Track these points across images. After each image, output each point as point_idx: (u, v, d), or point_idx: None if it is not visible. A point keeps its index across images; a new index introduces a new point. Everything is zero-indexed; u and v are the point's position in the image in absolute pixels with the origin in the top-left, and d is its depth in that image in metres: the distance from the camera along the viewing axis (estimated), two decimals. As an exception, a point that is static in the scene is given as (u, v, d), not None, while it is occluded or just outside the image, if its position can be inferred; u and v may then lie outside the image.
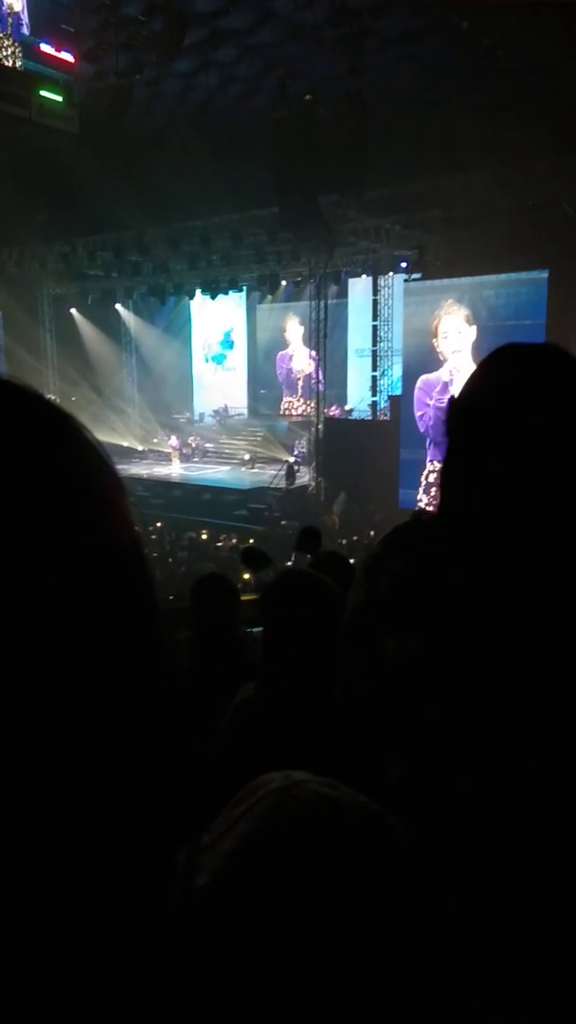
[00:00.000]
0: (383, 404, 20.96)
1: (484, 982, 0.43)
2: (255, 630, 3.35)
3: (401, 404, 18.84)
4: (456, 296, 17.49)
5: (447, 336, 17.60)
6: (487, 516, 0.64)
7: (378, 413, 21.13)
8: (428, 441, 17.83)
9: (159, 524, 18.24)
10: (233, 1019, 0.36)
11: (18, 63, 12.09)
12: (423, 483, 17.88)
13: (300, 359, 25.58)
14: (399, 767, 0.68)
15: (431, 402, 17.76)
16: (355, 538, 15.43)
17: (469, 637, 0.66)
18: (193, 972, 0.36)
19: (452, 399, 0.70)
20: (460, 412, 0.69)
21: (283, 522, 17.85)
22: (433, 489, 17.51)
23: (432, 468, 17.73)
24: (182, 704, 0.44)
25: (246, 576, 8.12)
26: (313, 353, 21.42)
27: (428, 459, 17.82)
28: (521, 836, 0.59)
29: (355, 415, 22.71)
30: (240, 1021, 0.36)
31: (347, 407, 23.73)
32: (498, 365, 0.68)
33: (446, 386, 17.43)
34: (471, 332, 17.14)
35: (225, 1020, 0.36)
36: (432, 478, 17.75)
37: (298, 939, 0.37)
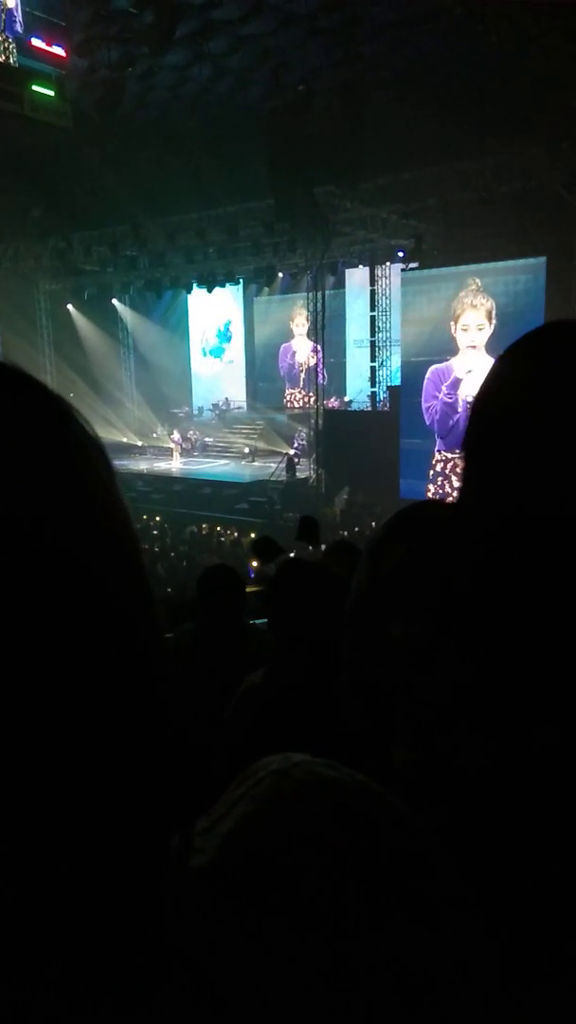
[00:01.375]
0: (382, 395, 20.92)
1: (491, 960, 0.43)
2: (259, 622, 3.36)
3: (400, 394, 18.80)
4: (456, 285, 17.38)
5: (467, 329, 17.29)
6: (501, 503, 0.63)
7: (378, 404, 21.10)
8: (437, 435, 17.78)
9: (157, 518, 18.25)
10: (231, 999, 0.36)
11: (12, 59, 12.05)
12: (431, 474, 17.83)
13: (303, 351, 25.52)
14: (405, 750, 0.68)
15: (439, 395, 17.68)
16: (356, 529, 15.43)
17: (476, 620, 0.66)
18: (190, 952, 0.36)
19: (483, 385, 0.70)
20: (486, 399, 0.69)
21: (287, 514, 17.87)
22: (440, 479, 17.48)
23: (441, 458, 17.67)
24: (177, 689, 0.44)
25: (255, 564, 8.12)
26: (317, 345, 21.38)
27: (436, 449, 17.77)
28: (533, 816, 0.59)
29: (354, 406, 22.69)
30: (238, 1001, 0.36)
31: (346, 398, 23.70)
32: (533, 348, 0.68)
33: (457, 382, 17.34)
34: (490, 328, 16.89)
35: (223, 1000, 0.36)
36: (440, 467, 17.71)
37: (297, 917, 0.37)
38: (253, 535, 15.56)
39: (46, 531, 0.36)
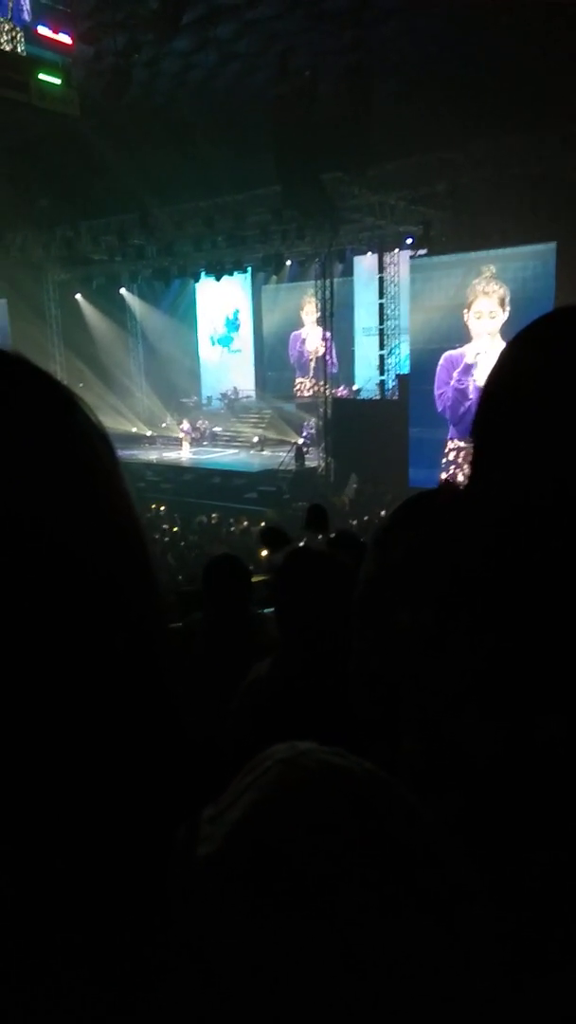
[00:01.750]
0: (391, 383, 20.84)
1: (498, 949, 0.43)
2: (267, 611, 3.36)
3: (410, 382, 18.73)
4: (465, 271, 17.27)
5: (480, 316, 17.21)
6: (509, 489, 0.63)
7: (387, 392, 21.03)
8: (449, 422, 17.71)
9: (163, 508, 18.30)
10: (237, 987, 0.36)
11: (19, 48, 12.02)
12: (443, 462, 17.76)
13: (313, 339, 25.45)
14: (413, 739, 0.68)
15: (451, 382, 17.60)
16: (366, 518, 15.43)
17: (484, 607, 0.65)
18: (196, 942, 0.36)
19: (493, 371, 0.69)
20: (495, 386, 0.68)
21: (296, 504, 17.88)
22: (453, 468, 17.42)
23: (453, 447, 17.61)
24: (182, 680, 0.44)
25: (264, 553, 8.13)
26: (327, 334, 21.27)
27: (448, 437, 17.70)
28: (541, 805, 0.59)
29: (363, 395, 22.62)
30: (245, 990, 0.36)
31: (355, 387, 23.63)
32: (542, 335, 0.67)
33: (469, 368, 17.26)
34: (503, 315, 16.80)
35: (229, 989, 0.36)
36: (452, 456, 17.65)
37: (304, 905, 0.37)
38: (263, 524, 15.58)
39: (51, 522, 0.37)
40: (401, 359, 20.51)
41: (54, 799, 0.36)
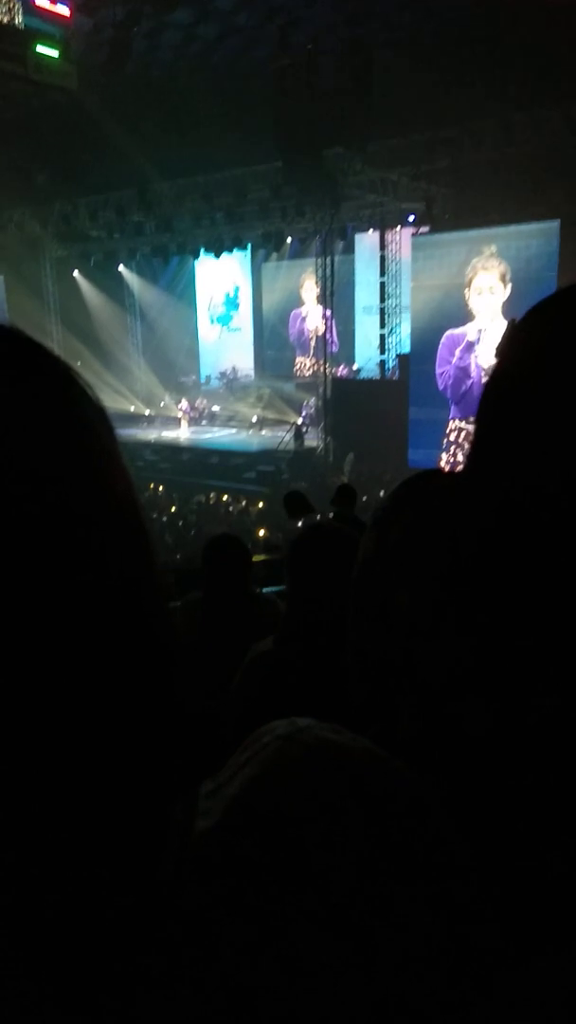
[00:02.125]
0: (392, 363, 20.73)
1: (493, 927, 0.44)
2: (267, 590, 3.37)
3: (410, 362, 18.62)
4: (468, 250, 17.10)
5: (480, 293, 17.02)
6: (508, 471, 0.63)
7: (387, 372, 20.92)
8: (451, 401, 17.62)
9: (161, 487, 18.28)
10: (234, 961, 0.36)
11: (17, 20, 11.83)
12: (444, 443, 17.69)
13: (314, 318, 25.27)
14: (410, 719, 0.69)
15: (453, 360, 17.49)
16: (364, 498, 15.41)
17: (481, 588, 0.66)
18: (194, 915, 0.37)
19: (498, 351, 0.69)
20: (497, 366, 0.68)
21: (295, 483, 17.85)
22: (454, 448, 17.36)
23: (455, 427, 17.54)
24: (184, 658, 0.44)
25: (261, 533, 8.11)
26: (327, 312, 21.09)
27: (450, 417, 17.63)
28: (535, 785, 0.59)
29: (363, 374, 22.50)
30: (241, 964, 0.36)
31: (355, 366, 23.50)
32: (549, 316, 0.66)
33: (471, 345, 17.14)
34: (504, 292, 16.64)
35: (226, 962, 0.36)
36: (453, 436, 17.59)
37: (301, 879, 0.37)
38: (261, 505, 15.55)
39: (48, 496, 0.36)
40: (402, 338, 20.39)
41: (51, 774, 0.35)
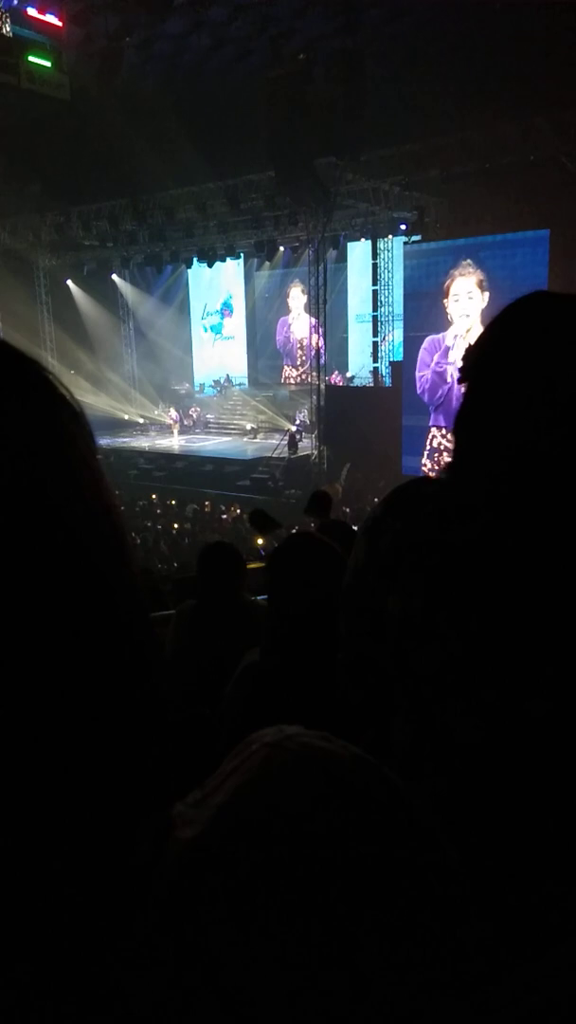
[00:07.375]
0: (384, 370, 20.79)
1: (482, 931, 0.44)
2: (261, 598, 3.37)
3: (403, 370, 18.68)
4: (458, 257, 17.19)
5: (458, 299, 17.16)
6: (489, 470, 0.63)
7: (380, 380, 20.97)
8: (430, 406, 17.68)
9: (154, 496, 18.26)
10: (219, 970, 0.36)
11: (5, 29, 11.87)
12: (428, 449, 17.76)
13: (301, 326, 25.32)
14: (401, 723, 0.69)
15: (432, 364, 17.57)
16: (358, 506, 15.44)
17: (469, 594, 0.66)
18: (178, 925, 0.36)
19: (469, 347, 0.70)
20: (475, 362, 0.69)
21: (289, 491, 17.86)
22: (437, 455, 17.41)
23: (437, 434, 17.60)
24: (163, 666, 0.44)
25: (260, 541, 8.11)
26: (314, 320, 21.17)
27: (431, 424, 17.70)
28: (525, 788, 0.59)
29: (356, 382, 22.55)
30: (227, 973, 0.36)
31: (348, 374, 23.56)
32: (521, 314, 0.67)
33: (447, 351, 17.23)
34: (482, 298, 16.77)
35: (211, 972, 0.36)
36: (436, 443, 17.64)
37: (288, 888, 0.37)
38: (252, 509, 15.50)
39: (25, 500, 0.36)
40: (394, 346, 20.45)
41: (29, 782, 0.35)
